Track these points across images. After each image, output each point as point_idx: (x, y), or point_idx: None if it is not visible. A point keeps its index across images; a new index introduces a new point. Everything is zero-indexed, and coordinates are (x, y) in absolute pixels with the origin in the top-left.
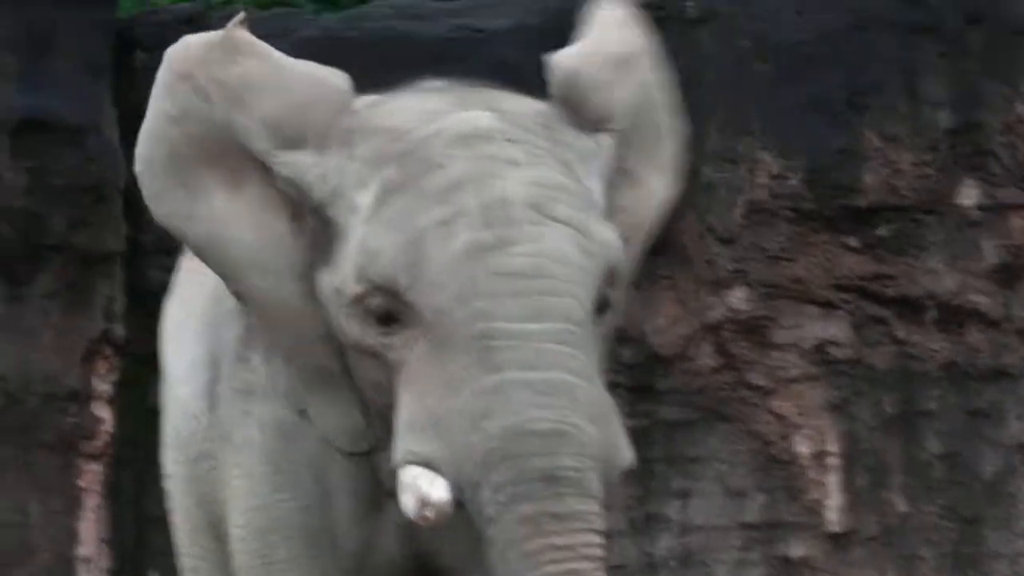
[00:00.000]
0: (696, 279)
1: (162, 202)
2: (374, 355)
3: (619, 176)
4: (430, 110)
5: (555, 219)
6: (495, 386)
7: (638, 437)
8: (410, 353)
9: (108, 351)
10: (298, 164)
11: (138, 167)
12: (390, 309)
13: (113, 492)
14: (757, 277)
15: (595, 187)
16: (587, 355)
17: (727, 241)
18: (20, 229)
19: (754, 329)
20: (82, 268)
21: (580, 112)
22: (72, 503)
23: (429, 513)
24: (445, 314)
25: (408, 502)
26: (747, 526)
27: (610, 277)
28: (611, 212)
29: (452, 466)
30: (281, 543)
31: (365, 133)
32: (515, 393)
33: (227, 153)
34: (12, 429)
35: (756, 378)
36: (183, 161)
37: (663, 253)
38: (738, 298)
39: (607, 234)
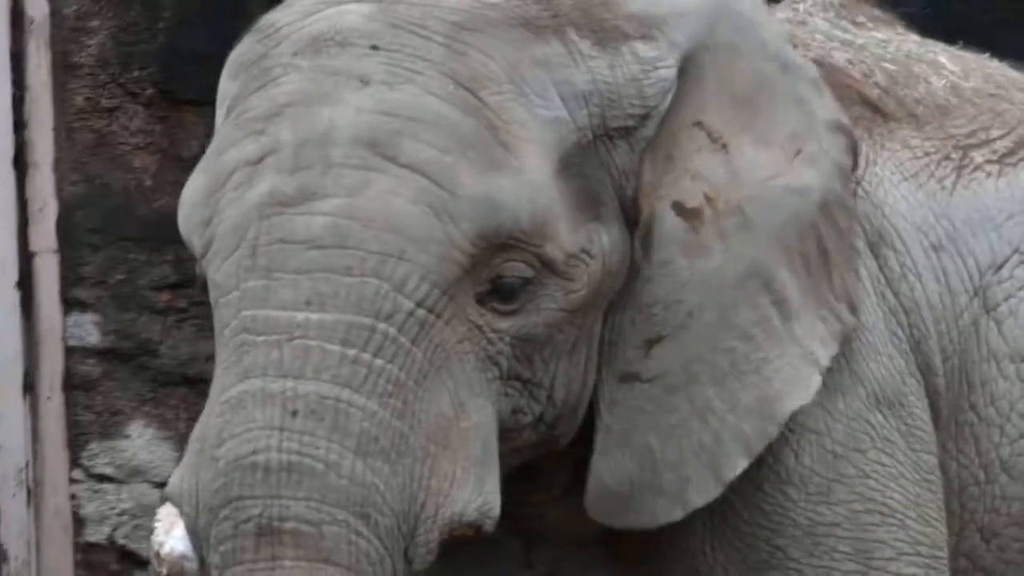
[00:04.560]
0: None
1: None
2: None
3: (693, 133)
4: (327, 0)
5: (396, 163)
6: (237, 399)
7: None
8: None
9: None
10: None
11: None
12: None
13: None
14: None
15: (533, 135)
16: (398, 364)
17: None
18: None
19: None
20: None
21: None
22: None
23: (159, 568)
24: (221, 295)
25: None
26: None
27: (508, 244)
28: (654, 171)
29: (192, 508)
30: None
31: (253, 31)
32: (251, 410)
33: None
34: None
35: None
36: None
37: None
38: None
39: (496, 185)
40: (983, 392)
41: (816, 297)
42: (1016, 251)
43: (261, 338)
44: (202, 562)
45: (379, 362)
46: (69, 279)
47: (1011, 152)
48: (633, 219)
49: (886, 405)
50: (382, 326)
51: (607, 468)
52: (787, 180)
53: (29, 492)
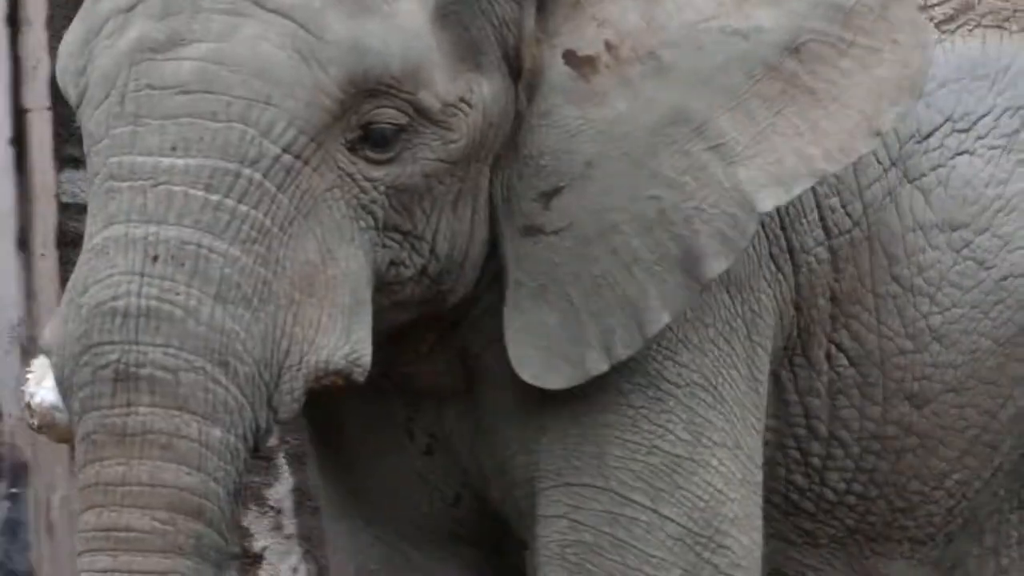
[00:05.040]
0: None
1: None
2: None
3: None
4: None
5: (265, 7)
6: (101, 246)
7: None
8: None
9: None
10: None
11: None
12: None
13: None
14: None
15: None
16: (263, 210)
17: None
18: None
19: None
20: None
21: None
22: None
23: (31, 420)
24: (92, 144)
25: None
26: None
27: (377, 89)
28: (559, 26)
29: (60, 357)
30: None
31: None
32: (114, 256)
33: None
34: None
35: None
36: None
37: None
38: None
39: (363, 30)
40: (908, 263)
41: (774, 143)
42: (948, 119)
43: (126, 184)
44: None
45: (243, 208)
46: (62, 136)
47: (949, 19)
48: (516, 70)
49: (735, 287)
50: (247, 171)
51: (525, 323)
52: (726, 22)
53: (23, 349)
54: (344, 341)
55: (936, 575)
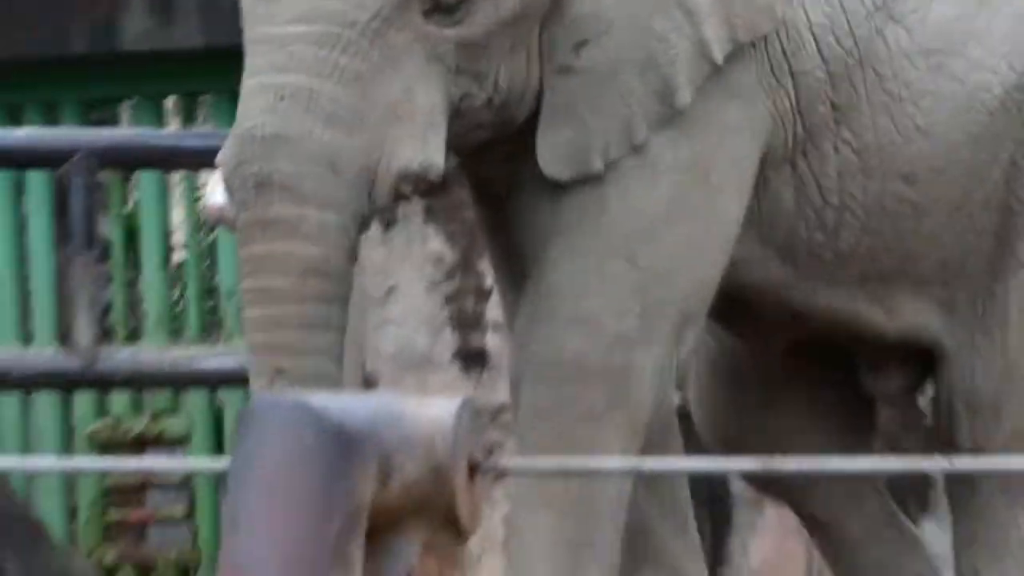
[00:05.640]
0: None
1: None
2: None
3: None
4: None
5: None
6: (247, 91)
7: None
8: None
9: None
10: None
11: None
12: None
13: None
14: None
15: None
16: (359, 60)
17: None
18: None
19: None
20: None
21: None
22: None
23: (207, 217)
24: (245, 17)
25: None
26: None
27: None
28: None
29: (226, 171)
30: None
31: None
32: (255, 98)
33: None
34: None
35: None
36: None
37: None
38: None
39: None
40: (895, 80)
41: (724, 7)
42: None
43: (263, 46)
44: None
45: (344, 59)
46: None
47: None
48: None
49: (739, 97)
50: (347, 32)
51: (553, 133)
52: None
53: None
54: (420, 151)
55: (939, 310)
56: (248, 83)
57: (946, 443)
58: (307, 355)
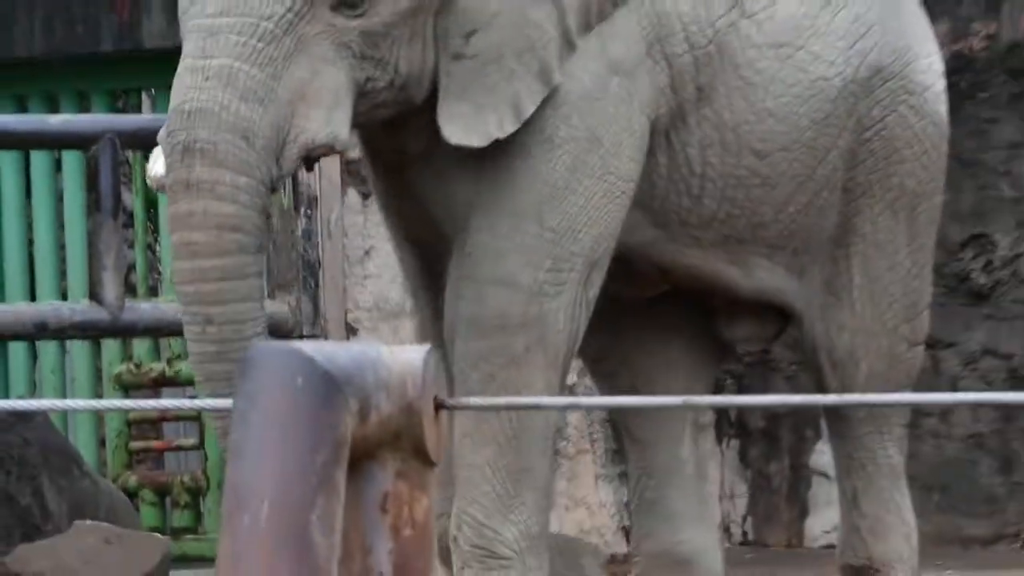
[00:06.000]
0: None
1: None
2: None
3: None
4: None
5: None
6: (180, 72)
7: None
8: None
9: None
10: None
11: None
12: None
13: None
14: None
15: None
16: (273, 46)
17: None
18: None
19: None
20: None
21: None
22: None
23: (151, 183)
24: (181, 13)
25: None
26: None
27: None
28: None
29: (160, 142)
30: None
31: None
32: (184, 78)
33: None
34: None
35: None
36: None
37: None
38: None
39: None
40: (748, 68)
41: (581, 6)
42: None
43: (195, 34)
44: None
45: (260, 44)
46: None
47: None
48: None
49: (623, 74)
50: (264, 23)
51: (451, 109)
52: None
53: None
54: (326, 124)
55: (789, 275)
56: (181, 65)
57: (817, 387)
58: (229, 303)
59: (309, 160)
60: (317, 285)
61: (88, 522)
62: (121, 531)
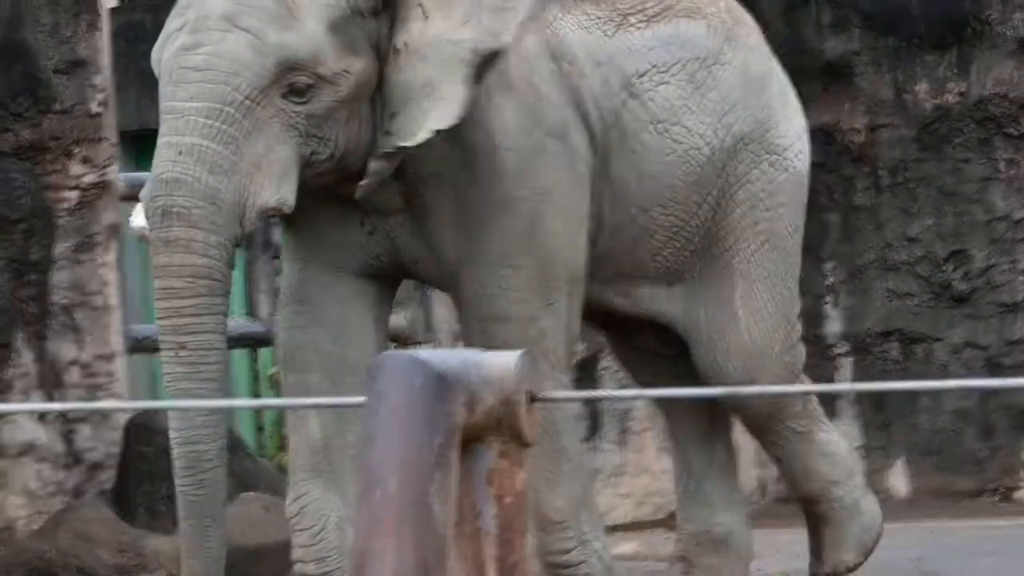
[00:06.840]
0: None
1: None
2: None
3: (414, 10)
4: None
5: (239, 27)
6: (158, 148)
7: None
8: None
9: None
10: None
11: None
12: None
13: None
14: None
15: (312, 13)
16: (235, 128)
17: None
18: None
19: None
20: None
21: None
22: None
23: (132, 233)
24: (161, 96)
25: None
26: None
27: (294, 67)
28: (397, 34)
29: (143, 202)
30: None
31: None
32: (162, 152)
33: None
34: None
35: None
36: None
37: None
38: None
39: (286, 38)
40: (635, 139)
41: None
42: (654, 66)
43: (170, 116)
44: None
45: (224, 127)
46: None
47: (657, 15)
48: (379, 54)
49: (556, 137)
50: (227, 108)
51: (396, 130)
52: (450, 35)
53: None
54: (275, 192)
55: (668, 301)
56: (159, 142)
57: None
58: (198, 334)
59: (265, 219)
60: (429, 300)
61: (251, 494)
62: (277, 501)
